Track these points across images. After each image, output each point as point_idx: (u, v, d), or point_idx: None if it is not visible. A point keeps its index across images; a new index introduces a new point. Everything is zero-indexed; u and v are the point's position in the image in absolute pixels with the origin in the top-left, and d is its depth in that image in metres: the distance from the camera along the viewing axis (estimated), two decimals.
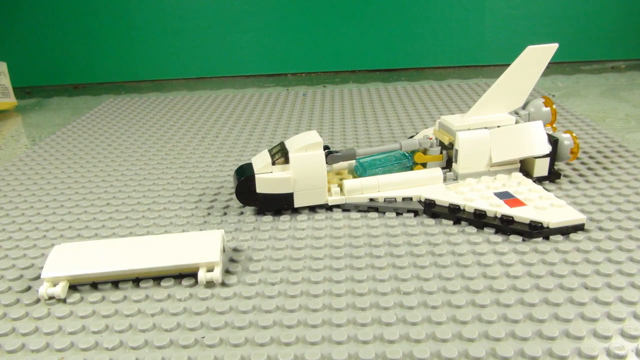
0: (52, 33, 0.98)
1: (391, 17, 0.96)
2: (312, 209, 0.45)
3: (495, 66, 0.98)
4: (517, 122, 0.47)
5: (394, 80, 0.92)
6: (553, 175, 0.48)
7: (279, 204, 0.44)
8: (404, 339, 0.30)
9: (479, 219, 0.41)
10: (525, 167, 0.48)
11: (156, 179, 0.54)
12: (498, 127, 0.46)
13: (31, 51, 1.00)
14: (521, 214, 0.40)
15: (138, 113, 0.79)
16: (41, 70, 1.01)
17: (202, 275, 0.35)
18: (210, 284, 0.36)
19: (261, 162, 0.44)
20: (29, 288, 0.36)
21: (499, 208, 0.41)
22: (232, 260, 0.38)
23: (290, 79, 0.99)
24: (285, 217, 0.44)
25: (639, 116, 0.67)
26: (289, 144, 0.45)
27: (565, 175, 0.49)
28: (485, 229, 0.40)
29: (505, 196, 0.43)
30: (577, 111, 0.69)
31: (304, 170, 0.44)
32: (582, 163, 0.52)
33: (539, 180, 0.47)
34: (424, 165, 0.47)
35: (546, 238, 0.39)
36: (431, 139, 0.48)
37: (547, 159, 0.47)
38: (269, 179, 0.44)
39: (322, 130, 0.66)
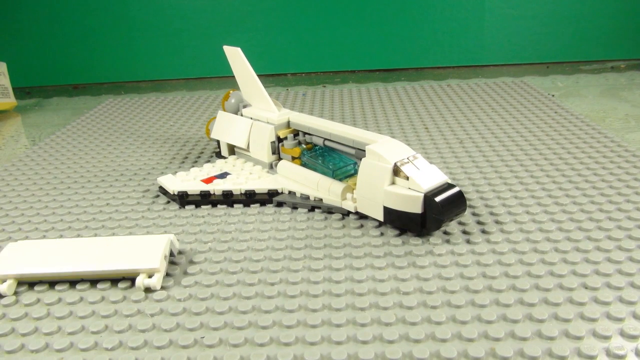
0: (52, 33, 0.99)
1: (391, 17, 0.96)
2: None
3: (494, 66, 0.98)
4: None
5: (394, 80, 0.92)
6: None
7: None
8: (404, 339, 0.30)
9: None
10: None
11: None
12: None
13: (31, 51, 1.00)
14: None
15: (138, 113, 0.79)
16: (41, 71, 1.01)
17: (140, 281, 0.35)
18: (148, 290, 0.35)
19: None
20: (28, 289, 0.36)
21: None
22: (231, 261, 0.38)
23: (290, 79, 0.99)
24: (284, 217, 0.44)
25: (638, 116, 0.67)
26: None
27: (564, 175, 0.49)
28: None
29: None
30: (577, 111, 0.69)
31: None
32: (581, 163, 0.52)
33: None
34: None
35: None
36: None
37: None
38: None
39: None
